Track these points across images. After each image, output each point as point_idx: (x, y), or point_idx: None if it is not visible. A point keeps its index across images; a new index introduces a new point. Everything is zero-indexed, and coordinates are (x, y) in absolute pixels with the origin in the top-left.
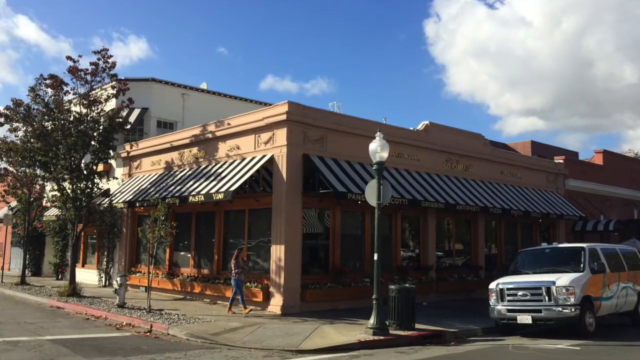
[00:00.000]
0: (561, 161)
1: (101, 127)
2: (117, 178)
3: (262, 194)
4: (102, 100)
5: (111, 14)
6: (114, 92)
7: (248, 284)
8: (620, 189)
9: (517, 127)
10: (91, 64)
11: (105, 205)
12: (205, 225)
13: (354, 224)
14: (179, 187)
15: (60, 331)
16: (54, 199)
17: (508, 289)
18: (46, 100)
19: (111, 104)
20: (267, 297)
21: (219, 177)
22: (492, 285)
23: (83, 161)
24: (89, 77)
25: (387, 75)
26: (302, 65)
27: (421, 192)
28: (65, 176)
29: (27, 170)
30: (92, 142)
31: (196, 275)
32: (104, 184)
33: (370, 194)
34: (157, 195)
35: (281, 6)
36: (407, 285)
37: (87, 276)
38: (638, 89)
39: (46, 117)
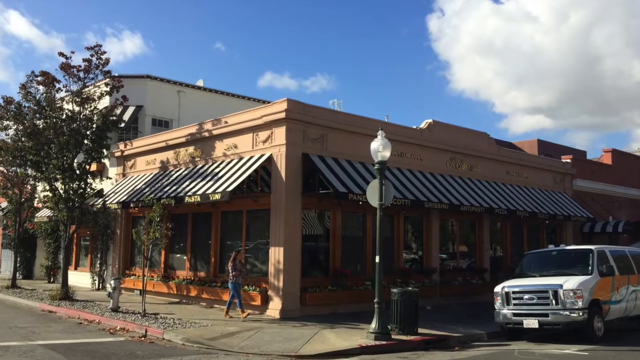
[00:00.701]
0: (569, 161)
1: (94, 126)
2: (110, 178)
3: (261, 194)
4: (95, 97)
5: (105, 9)
6: (108, 89)
7: (246, 287)
8: (629, 189)
9: (523, 126)
10: (84, 60)
11: (99, 206)
12: (201, 226)
13: (355, 225)
14: (174, 188)
15: (52, 336)
16: (45, 199)
17: (514, 293)
18: (38, 98)
19: (105, 102)
20: (266, 300)
21: (215, 177)
22: (498, 289)
23: (76, 160)
24: (81, 74)
25: (389, 72)
26: (302, 62)
27: (424, 192)
28: (58, 176)
29: (18, 170)
30: (85, 141)
31: (192, 278)
32: (97, 184)
33: (372, 195)
34: (152, 195)
35: (280, 1)
36: (409, 288)
37: (79, 279)
38: None
39: (38, 115)
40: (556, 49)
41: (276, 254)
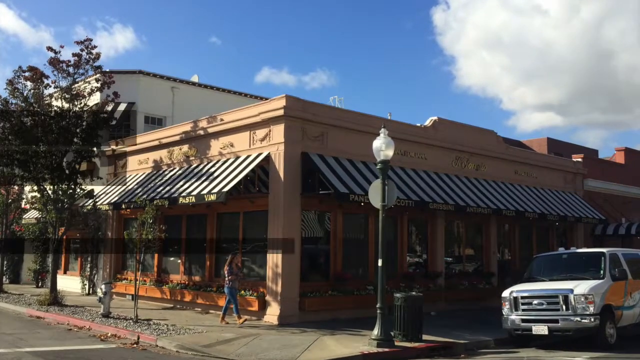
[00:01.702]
0: (580, 160)
1: (84, 123)
2: (101, 178)
3: (258, 195)
4: (85, 94)
5: (95, 1)
6: (98, 85)
7: (242, 292)
8: None
9: (533, 123)
10: (74, 55)
11: (89, 207)
12: (196, 228)
13: (356, 227)
14: (168, 188)
15: (41, 342)
16: (33, 200)
17: (522, 298)
18: (25, 94)
19: (95, 98)
20: (263, 306)
21: (211, 177)
22: (506, 294)
23: (65, 160)
24: (71, 69)
25: (392, 67)
26: (301, 57)
27: (429, 193)
28: (46, 176)
29: (5, 170)
30: (75, 139)
31: (187, 282)
32: (87, 185)
33: (374, 195)
34: (144, 196)
35: None
36: (413, 293)
37: (69, 283)
38: None
39: (25, 113)
40: (567, 44)
41: (274, 258)
